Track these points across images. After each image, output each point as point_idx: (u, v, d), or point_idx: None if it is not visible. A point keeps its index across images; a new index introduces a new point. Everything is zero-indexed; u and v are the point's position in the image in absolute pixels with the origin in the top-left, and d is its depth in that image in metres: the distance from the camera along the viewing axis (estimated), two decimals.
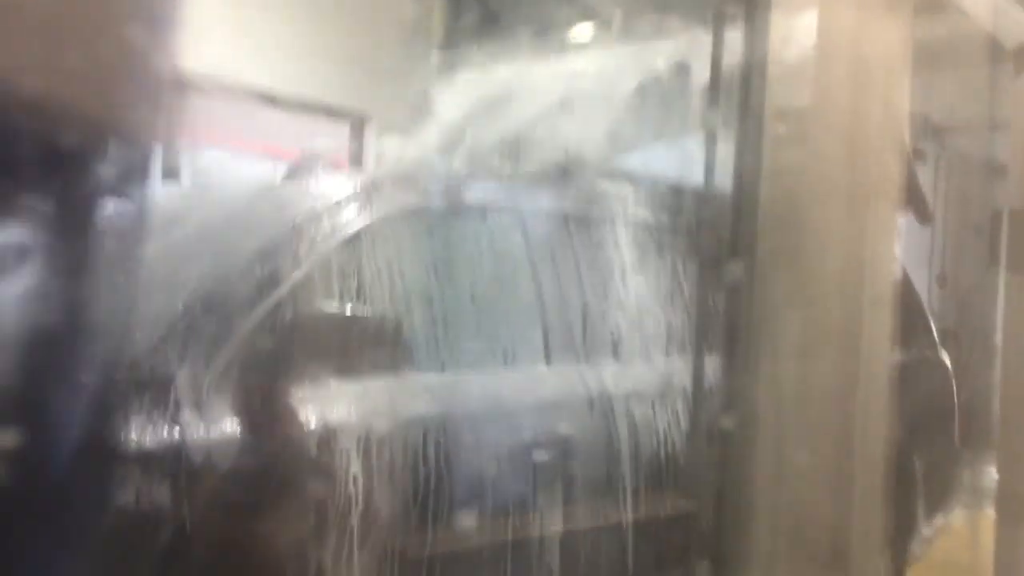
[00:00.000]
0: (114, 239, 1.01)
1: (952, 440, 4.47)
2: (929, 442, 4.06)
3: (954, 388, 4.52)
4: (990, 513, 3.95)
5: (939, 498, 4.34)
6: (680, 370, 3.09)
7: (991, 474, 4.00)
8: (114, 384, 1.01)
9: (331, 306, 2.45)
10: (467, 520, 2.54)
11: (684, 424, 2.97)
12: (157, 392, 2.05)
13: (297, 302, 2.37)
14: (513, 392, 2.76)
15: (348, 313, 2.46)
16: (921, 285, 8.84)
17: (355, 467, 2.28)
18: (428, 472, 2.45)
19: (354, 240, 2.55)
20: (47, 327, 0.94)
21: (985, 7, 3.49)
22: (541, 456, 2.70)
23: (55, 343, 0.96)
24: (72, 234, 0.97)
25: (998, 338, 4.72)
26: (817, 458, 2.38)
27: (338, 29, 5.57)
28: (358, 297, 2.51)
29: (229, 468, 2.08)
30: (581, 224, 3.14)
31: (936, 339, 4.41)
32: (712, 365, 2.81)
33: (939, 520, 4.37)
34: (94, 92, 0.98)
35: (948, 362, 4.54)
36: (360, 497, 2.28)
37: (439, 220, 2.83)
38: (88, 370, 0.98)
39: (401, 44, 5.25)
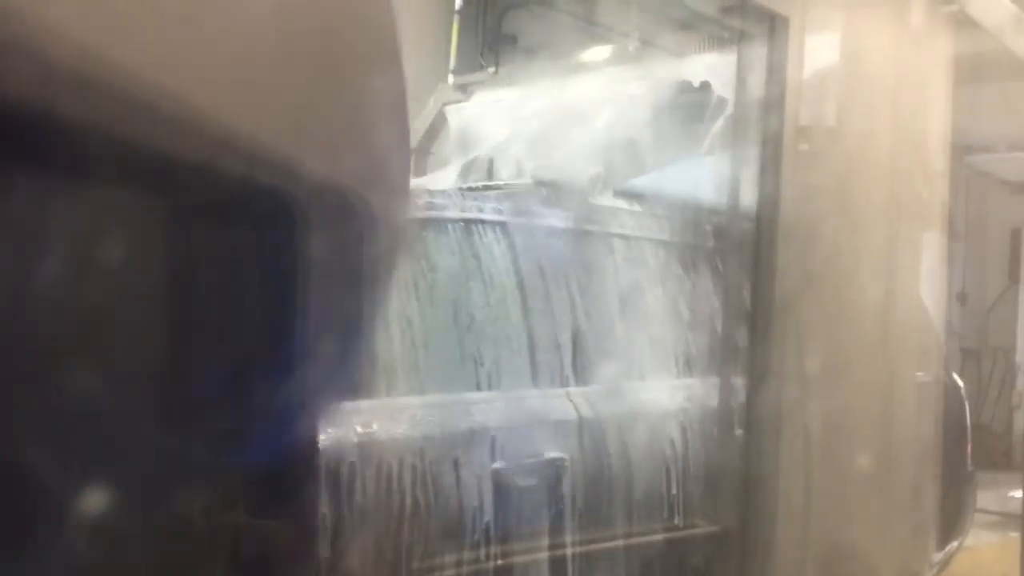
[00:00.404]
0: None
1: (965, 463, 4.39)
2: (943, 465, 3.98)
3: (967, 410, 4.45)
4: (1015, 536, 3.89)
5: (952, 523, 4.27)
6: (704, 393, 3.06)
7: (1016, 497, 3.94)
8: None
9: None
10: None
11: (710, 450, 2.93)
12: None
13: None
14: (535, 410, 2.74)
15: None
16: (941, 303, 8.80)
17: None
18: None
19: None
20: None
21: (1004, 25, 3.47)
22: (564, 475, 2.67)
23: None
24: None
25: (1019, 356, 4.68)
26: (847, 479, 2.35)
27: None
28: None
29: None
30: (581, 240, 3.10)
31: (947, 360, 4.34)
32: (737, 387, 2.79)
33: (952, 546, 4.30)
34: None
35: (960, 384, 4.47)
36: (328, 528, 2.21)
37: (427, 231, 2.72)
38: None
39: (418, 69, 5.25)
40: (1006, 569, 4.04)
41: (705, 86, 3.57)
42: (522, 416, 2.68)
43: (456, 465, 2.45)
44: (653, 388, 3.01)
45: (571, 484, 2.68)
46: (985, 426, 8.10)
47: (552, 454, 2.67)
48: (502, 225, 2.85)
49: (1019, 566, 3.74)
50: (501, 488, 2.53)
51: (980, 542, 5.88)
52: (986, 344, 8.63)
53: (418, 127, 5.08)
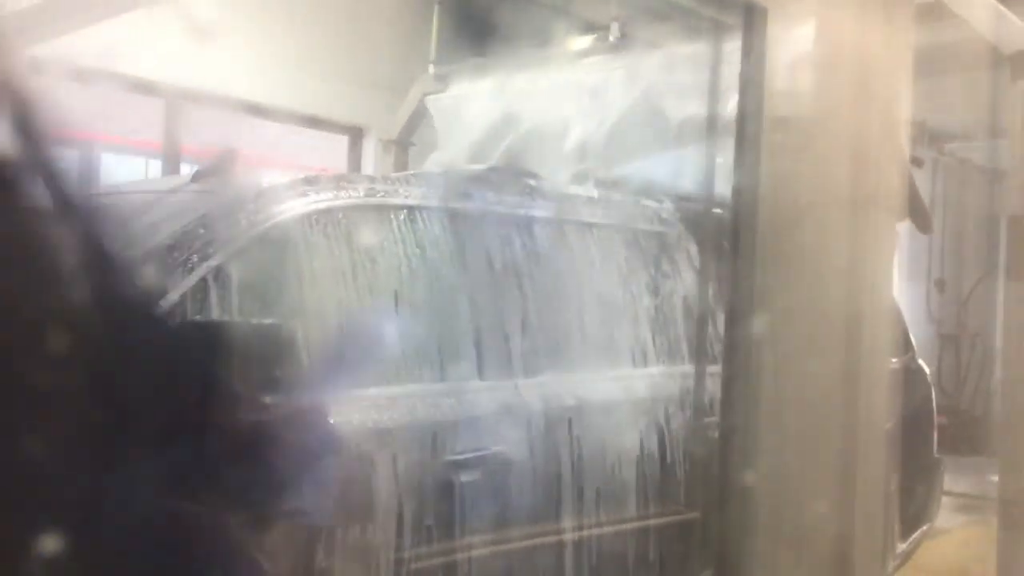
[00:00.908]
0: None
1: (931, 450, 4.42)
2: (909, 452, 3.98)
3: (933, 397, 4.48)
4: (991, 520, 3.94)
5: (920, 508, 4.29)
6: (679, 377, 3.03)
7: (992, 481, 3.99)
8: None
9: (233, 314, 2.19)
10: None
11: (685, 431, 2.94)
12: None
13: (189, 307, 2.13)
14: (512, 399, 2.68)
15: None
16: (920, 290, 8.88)
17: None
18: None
19: (263, 239, 2.32)
20: None
21: (984, 15, 3.51)
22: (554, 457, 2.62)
23: None
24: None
25: (997, 343, 4.72)
26: (819, 465, 2.38)
27: (338, 46, 5.59)
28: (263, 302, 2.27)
29: None
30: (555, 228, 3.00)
31: (914, 346, 4.36)
32: (712, 372, 2.81)
33: (920, 531, 4.33)
34: None
35: (927, 370, 4.49)
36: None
37: (367, 219, 2.55)
38: None
39: (399, 59, 5.27)
40: (981, 552, 4.10)
41: (682, 77, 3.58)
42: (467, 409, 2.56)
43: (395, 460, 2.33)
44: (611, 378, 2.94)
45: (519, 477, 2.58)
46: (964, 411, 8.18)
47: (498, 447, 2.57)
48: (448, 212, 2.72)
49: (995, 549, 3.80)
50: (445, 483, 2.43)
51: (955, 524, 5.96)
52: (965, 330, 8.70)
53: (399, 117, 5.09)
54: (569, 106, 3.98)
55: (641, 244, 3.17)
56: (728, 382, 2.51)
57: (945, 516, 6.14)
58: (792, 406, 2.39)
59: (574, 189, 3.21)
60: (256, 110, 4.97)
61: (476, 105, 4.48)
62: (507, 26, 4.50)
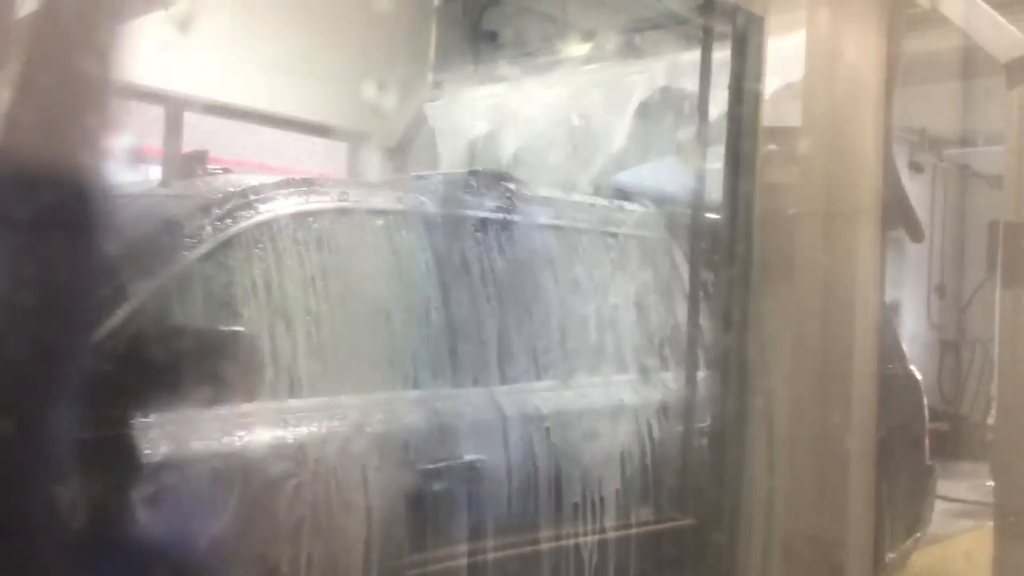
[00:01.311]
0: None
1: (923, 457, 4.38)
2: (900, 459, 3.94)
3: (925, 404, 4.45)
4: (988, 525, 3.94)
5: (912, 516, 4.26)
6: (661, 383, 2.99)
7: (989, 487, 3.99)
8: None
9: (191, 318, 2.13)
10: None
11: (678, 439, 2.92)
12: None
13: (150, 311, 2.07)
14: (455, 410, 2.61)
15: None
16: (920, 296, 8.87)
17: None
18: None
19: (228, 243, 2.25)
20: None
21: (980, 23, 3.52)
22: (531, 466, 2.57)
23: None
24: None
25: (996, 348, 4.72)
26: (810, 473, 2.39)
27: (338, 52, 5.61)
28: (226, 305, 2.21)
29: None
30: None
31: (904, 353, 4.34)
32: (705, 378, 2.81)
33: (913, 538, 4.31)
34: None
35: (919, 378, 4.47)
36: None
37: (338, 224, 2.47)
38: None
39: (398, 65, 5.28)
40: (982, 556, 4.09)
41: (675, 85, 3.58)
42: (439, 417, 2.48)
43: (364, 469, 2.26)
44: (591, 385, 2.83)
45: (494, 485, 2.50)
46: (964, 417, 8.17)
47: (471, 456, 2.48)
48: (424, 216, 2.65)
49: (991, 553, 3.80)
50: (415, 491, 2.35)
51: (952, 530, 5.95)
52: (964, 336, 8.70)
53: (398, 124, 5.10)
54: (565, 114, 4.00)
55: (622, 248, 3.07)
56: (718, 390, 2.52)
57: (944, 522, 6.13)
58: (784, 413, 2.40)
59: (555, 193, 3.10)
60: (256, 116, 4.99)
61: (474, 112, 4.49)
62: (505, 34, 4.52)
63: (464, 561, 2.39)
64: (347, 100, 5.75)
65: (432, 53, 5.09)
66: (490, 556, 2.44)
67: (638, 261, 3.10)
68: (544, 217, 2.93)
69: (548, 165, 3.83)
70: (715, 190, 2.72)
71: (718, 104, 2.82)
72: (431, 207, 2.70)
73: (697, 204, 2.84)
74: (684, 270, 3.11)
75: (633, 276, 3.06)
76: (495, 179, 2.96)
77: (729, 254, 2.67)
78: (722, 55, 2.67)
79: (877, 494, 2.62)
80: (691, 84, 3.46)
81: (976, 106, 5.86)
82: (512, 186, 2.92)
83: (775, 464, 2.33)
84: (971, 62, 4.38)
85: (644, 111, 3.84)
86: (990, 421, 7.04)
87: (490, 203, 2.84)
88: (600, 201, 3.19)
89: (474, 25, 4.88)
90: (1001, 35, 3.64)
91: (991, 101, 5.17)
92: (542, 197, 3.00)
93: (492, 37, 4.69)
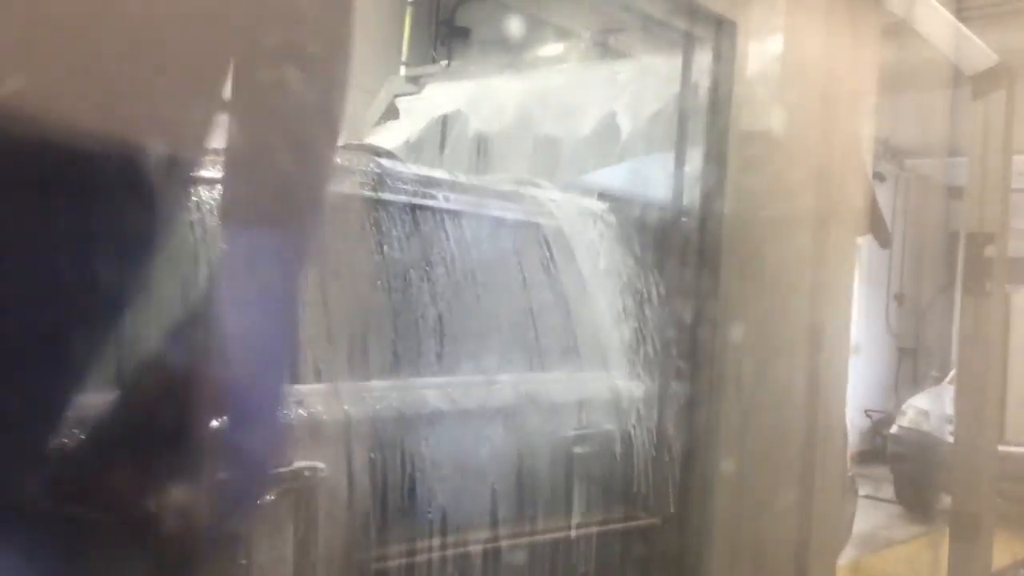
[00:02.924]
0: None
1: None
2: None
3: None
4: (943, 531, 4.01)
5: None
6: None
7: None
8: None
9: None
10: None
11: (645, 442, 2.93)
12: None
13: None
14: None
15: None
16: (880, 304, 9.00)
17: None
18: None
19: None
20: None
21: (946, 35, 3.57)
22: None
23: None
24: None
25: (954, 355, 4.80)
26: (778, 477, 2.41)
27: None
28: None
29: None
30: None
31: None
32: (675, 383, 2.81)
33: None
34: None
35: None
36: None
37: None
38: None
39: (370, 60, 5.26)
40: (935, 563, 4.16)
41: (651, 87, 3.59)
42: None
43: None
44: (484, 383, 2.58)
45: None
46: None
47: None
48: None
49: (946, 561, 3.86)
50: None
51: (908, 535, 6.05)
52: (922, 344, 8.84)
53: (369, 118, 5.09)
54: (537, 110, 4.01)
55: (527, 237, 2.85)
56: (691, 392, 2.53)
57: (900, 528, 6.24)
58: (753, 417, 2.42)
59: (437, 173, 2.82)
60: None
61: (445, 107, 4.49)
62: (480, 29, 4.52)
63: None
64: None
65: (405, 47, 5.08)
66: None
67: (535, 250, 2.85)
68: (417, 197, 2.63)
69: (516, 160, 3.83)
70: (689, 191, 2.73)
71: (675, 106, 2.82)
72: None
73: (660, 204, 2.84)
74: (617, 264, 3.04)
75: (521, 265, 2.79)
76: (368, 154, 2.76)
77: (699, 257, 2.68)
78: (702, 59, 2.68)
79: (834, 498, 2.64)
80: (658, 86, 3.48)
81: (937, 118, 5.94)
82: (386, 162, 2.67)
83: (744, 469, 2.35)
84: (937, 74, 4.44)
85: (613, 111, 3.86)
86: (893, 430, 7.20)
87: (353, 179, 2.52)
88: (505, 186, 2.96)
89: (448, 20, 4.87)
90: (968, 48, 3.69)
91: (953, 113, 5.25)
92: (421, 176, 2.69)
93: (466, 33, 4.70)
